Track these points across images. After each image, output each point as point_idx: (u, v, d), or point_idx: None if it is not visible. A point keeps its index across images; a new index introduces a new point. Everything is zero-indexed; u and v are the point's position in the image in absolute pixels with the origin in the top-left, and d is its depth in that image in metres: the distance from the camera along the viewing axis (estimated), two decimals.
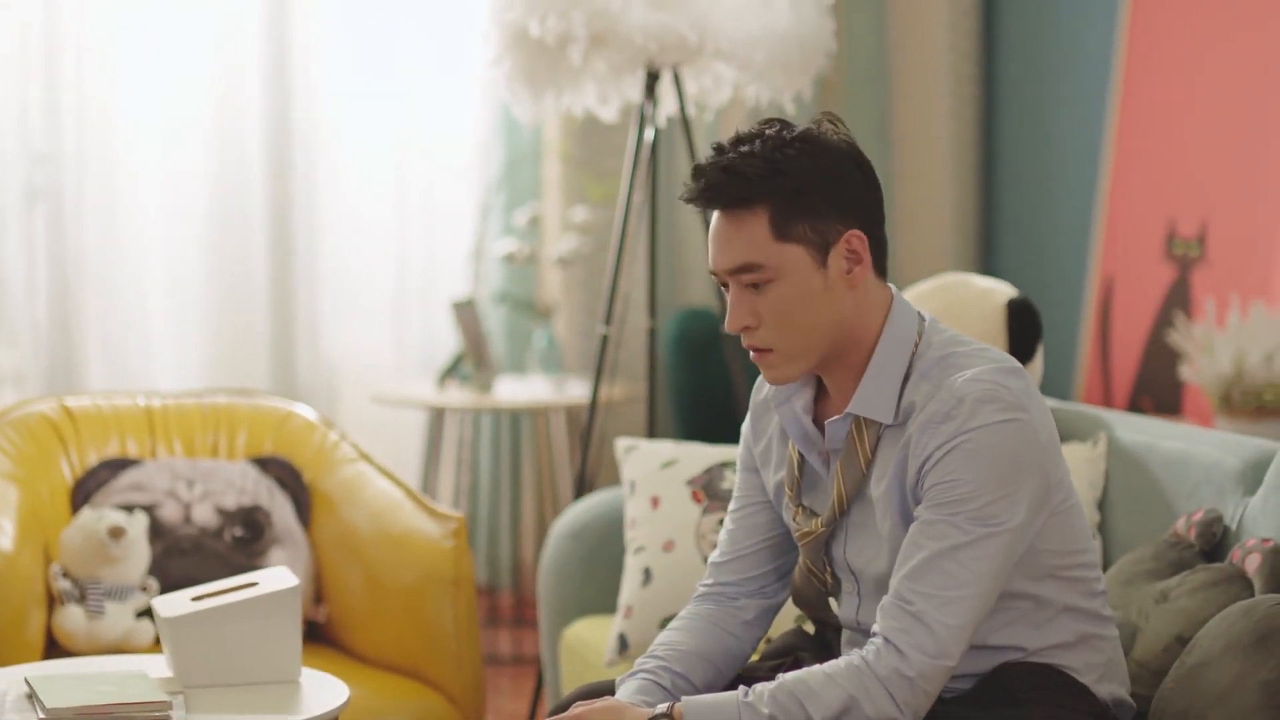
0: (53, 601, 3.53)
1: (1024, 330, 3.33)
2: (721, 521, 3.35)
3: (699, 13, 4.16)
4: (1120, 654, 2.49)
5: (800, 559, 2.52)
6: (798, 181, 2.33)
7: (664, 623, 3.38)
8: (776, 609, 2.60)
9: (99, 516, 3.55)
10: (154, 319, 5.41)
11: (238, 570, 3.57)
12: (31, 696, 2.70)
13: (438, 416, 5.46)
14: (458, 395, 5.30)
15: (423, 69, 5.59)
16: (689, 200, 2.38)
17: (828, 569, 2.49)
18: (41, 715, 2.62)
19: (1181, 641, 2.62)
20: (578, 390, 5.31)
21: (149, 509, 3.65)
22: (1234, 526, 2.83)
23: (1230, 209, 4.97)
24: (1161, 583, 2.76)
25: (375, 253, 5.62)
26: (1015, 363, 2.37)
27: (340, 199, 5.56)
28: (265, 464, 3.80)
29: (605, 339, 4.46)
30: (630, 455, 3.61)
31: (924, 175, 5.91)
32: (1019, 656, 2.40)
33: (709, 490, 3.50)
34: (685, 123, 4.36)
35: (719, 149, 2.37)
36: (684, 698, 2.33)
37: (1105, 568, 2.99)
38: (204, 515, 3.68)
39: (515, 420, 5.71)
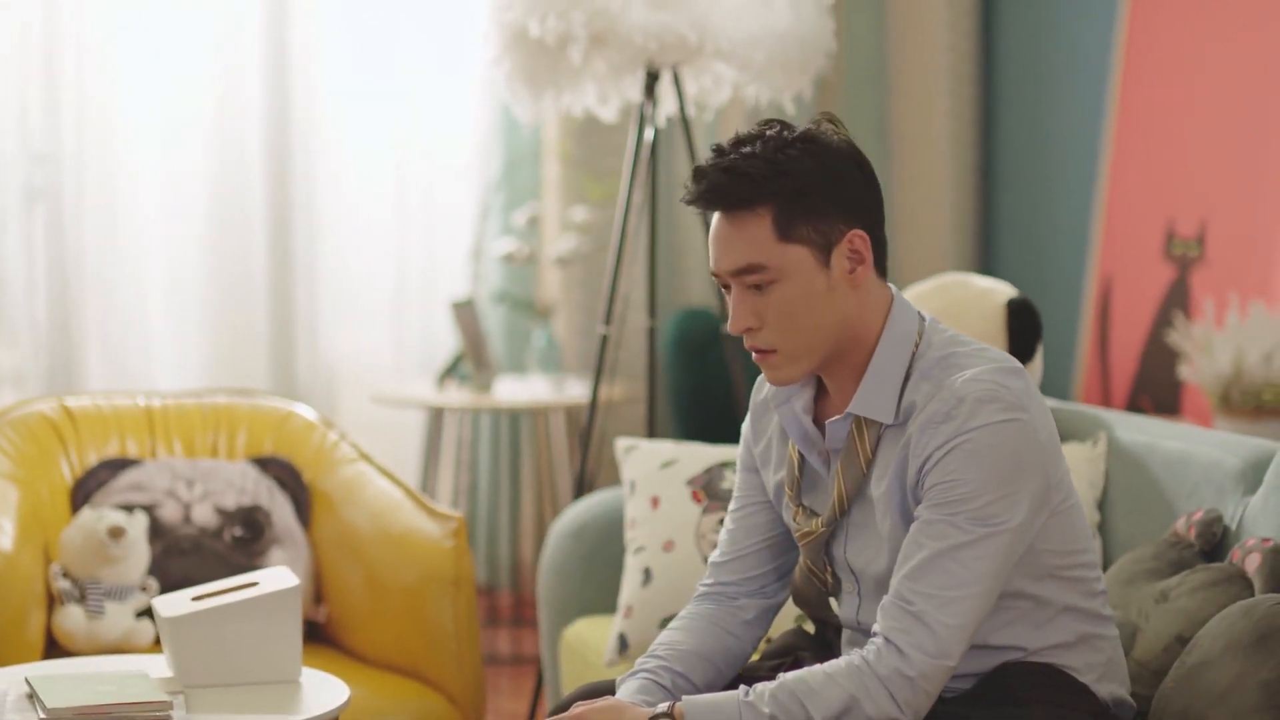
0: (52, 601, 3.53)
1: (1024, 330, 3.33)
2: (721, 521, 3.35)
3: (699, 13, 4.16)
4: (1120, 654, 2.49)
5: (801, 559, 2.52)
6: (800, 182, 2.33)
7: (664, 622, 3.38)
8: (777, 609, 2.60)
9: (99, 516, 3.55)
10: (154, 319, 5.41)
11: (237, 570, 3.57)
12: (32, 696, 2.70)
13: (437, 416, 5.46)
14: (457, 395, 5.30)
15: (423, 69, 5.59)
16: (690, 202, 2.37)
17: (828, 569, 2.49)
18: (42, 715, 2.62)
19: (1181, 641, 2.62)
20: (577, 390, 5.31)
21: (149, 509, 3.65)
22: (1234, 526, 2.83)
23: (1229, 209, 4.97)
24: (1161, 582, 2.76)
25: (375, 253, 5.62)
26: (1015, 363, 2.37)
27: (340, 199, 5.56)
28: (265, 464, 3.80)
29: (605, 339, 4.46)
30: (630, 455, 3.61)
31: (923, 175, 5.91)
32: (1019, 656, 2.40)
33: (709, 490, 3.50)
34: (685, 123, 4.36)
35: (719, 150, 2.36)
36: (684, 697, 2.33)
37: (1105, 567, 2.99)
38: (204, 515, 3.68)
39: (514, 420, 5.71)
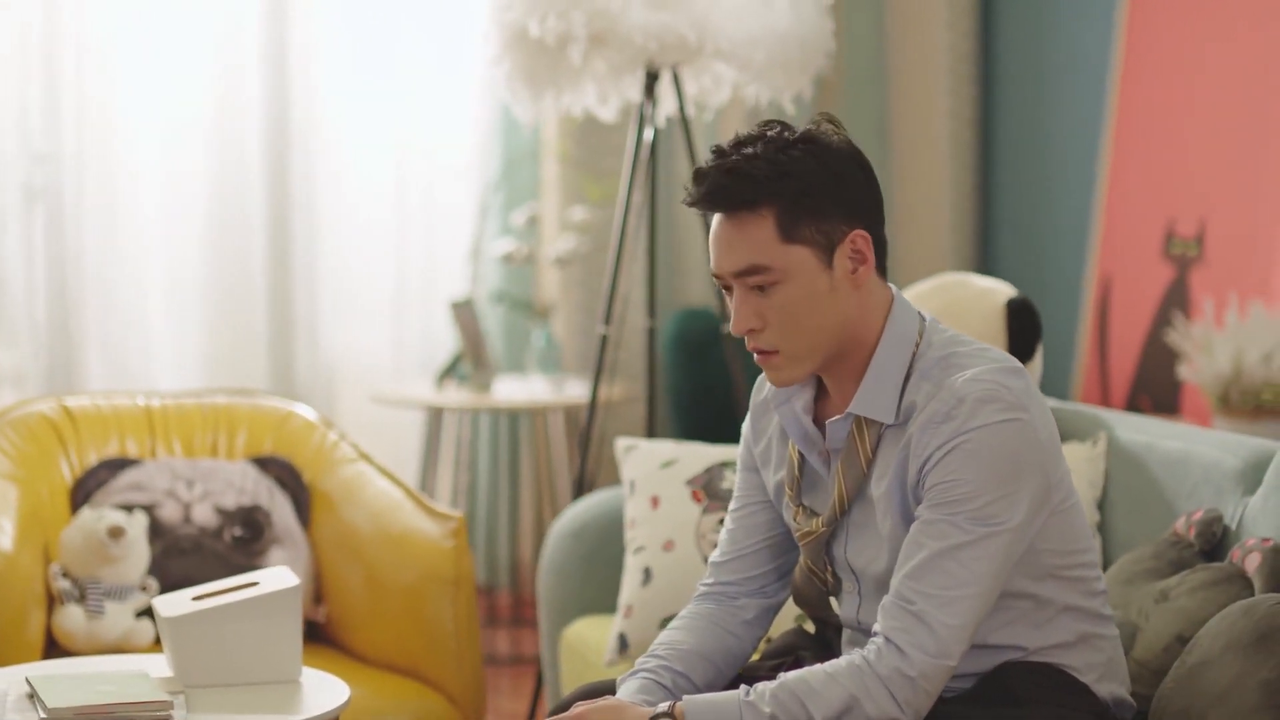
0: (52, 601, 3.53)
1: (1024, 330, 3.33)
2: (721, 521, 3.36)
3: (699, 13, 4.16)
4: (1120, 653, 2.49)
5: (801, 559, 2.52)
6: (803, 183, 2.33)
7: (664, 622, 3.38)
8: (777, 608, 2.60)
9: (99, 516, 3.55)
10: (153, 319, 5.41)
11: (237, 570, 3.57)
12: (33, 696, 2.70)
13: (436, 416, 5.46)
14: (456, 395, 5.30)
15: (423, 69, 5.59)
16: (692, 204, 2.37)
17: (828, 568, 2.49)
18: (43, 715, 2.62)
19: (1182, 641, 2.62)
20: (576, 390, 5.31)
21: (149, 509, 3.65)
22: (1234, 526, 2.83)
23: (1229, 209, 4.97)
24: (1161, 582, 2.76)
25: (374, 253, 5.62)
26: (1016, 362, 2.37)
27: (340, 199, 5.56)
28: (265, 464, 3.81)
29: (605, 338, 4.46)
30: (630, 455, 3.61)
31: (922, 175, 5.91)
32: (1019, 656, 2.40)
33: (709, 490, 3.50)
34: (685, 123, 4.36)
35: (720, 152, 2.36)
36: (685, 697, 2.33)
37: (1105, 567, 2.99)
38: (204, 515, 3.68)
39: (513, 420, 5.71)
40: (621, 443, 3.66)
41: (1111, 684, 2.45)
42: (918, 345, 2.40)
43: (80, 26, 5.25)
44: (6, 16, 5.20)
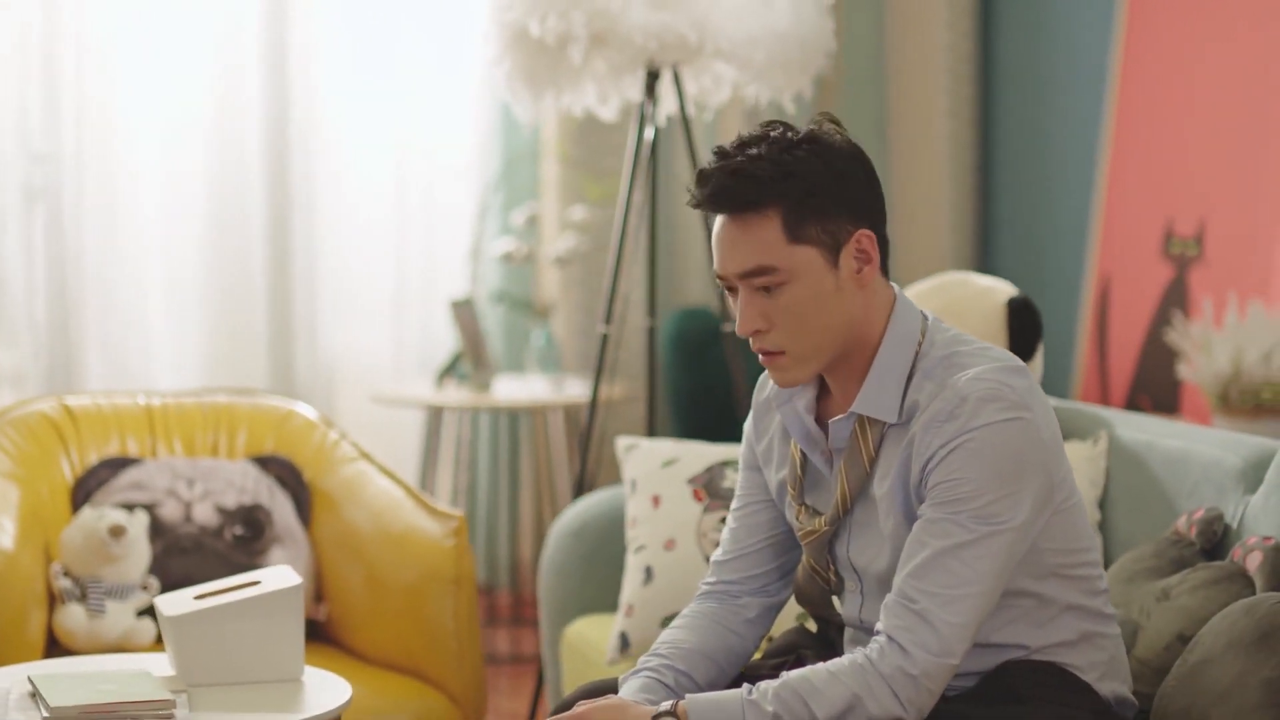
0: (53, 600, 3.53)
1: (1024, 329, 3.34)
2: (723, 520, 3.36)
3: (699, 12, 4.16)
4: (1122, 652, 2.49)
5: (803, 557, 2.52)
6: (808, 183, 2.33)
7: (665, 621, 3.38)
8: (779, 607, 2.60)
9: (99, 515, 3.55)
10: (153, 319, 5.41)
11: (238, 569, 3.57)
12: (35, 695, 2.70)
13: (436, 416, 5.47)
14: (456, 394, 5.30)
15: (423, 69, 5.59)
16: (697, 206, 2.36)
17: (831, 567, 2.49)
18: (45, 714, 2.62)
19: (1183, 639, 2.62)
20: (575, 389, 5.31)
21: (149, 508, 3.66)
22: (1235, 525, 2.84)
23: (1228, 208, 4.98)
24: (1163, 581, 2.77)
25: (374, 252, 5.62)
26: (1018, 361, 2.38)
27: (340, 199, 5.56)
28: (265, 463, 3.81)
29: (605, 338, 4.46)
30: (631, 454, 3.61)
31: (922, 175, 5.91)
32: (1022, 654, 2.40)
33: (710, 489, 3.50)
34: (685, 122, 4.36)
35: (723, 153, 2.35)
36: (687, 696, 2.34)
37: (1106, 566, 3.00)
38: (204, 514, 3.68)
39: (513, 419, 5.71)
40: (622, 442, 3.66)
41: (1113, 682, 2.46)
42: (920, 344, 2.40)
43: (80, 26, 5.25)
44: (6, 16, 5.20)
